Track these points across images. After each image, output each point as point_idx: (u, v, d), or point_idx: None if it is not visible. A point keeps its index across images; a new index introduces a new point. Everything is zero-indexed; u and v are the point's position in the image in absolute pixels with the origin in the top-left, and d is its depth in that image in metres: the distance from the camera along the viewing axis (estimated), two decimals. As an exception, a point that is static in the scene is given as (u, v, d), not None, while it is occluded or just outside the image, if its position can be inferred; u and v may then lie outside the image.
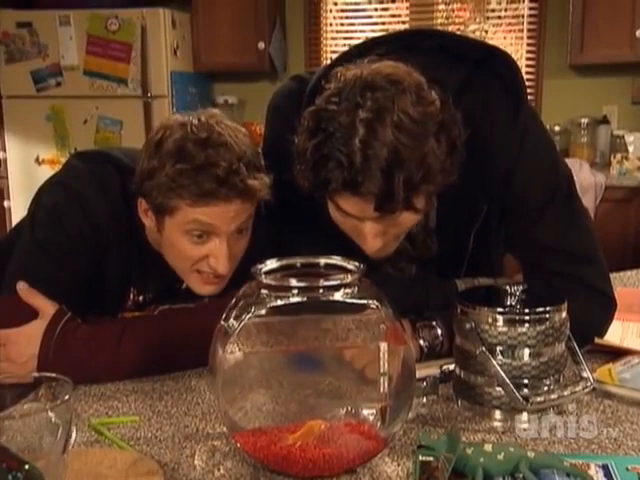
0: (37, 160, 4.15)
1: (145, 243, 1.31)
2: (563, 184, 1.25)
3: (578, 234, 1.25)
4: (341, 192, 1.07)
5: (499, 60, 1.22)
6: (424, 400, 1.05)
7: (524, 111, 1.22)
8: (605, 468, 0.86)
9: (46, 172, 3.59)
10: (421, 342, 1.18)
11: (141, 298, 1.35)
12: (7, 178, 4.22)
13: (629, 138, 3.89)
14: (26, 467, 0.63)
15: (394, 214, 1.08)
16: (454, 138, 1.08)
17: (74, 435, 0.76)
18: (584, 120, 4.02)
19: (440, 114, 1.06)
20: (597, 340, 1.23)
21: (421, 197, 1.08)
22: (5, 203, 4.22)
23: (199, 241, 1.20)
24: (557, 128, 4.04)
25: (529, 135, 1.22)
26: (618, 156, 3.79)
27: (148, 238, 1.30)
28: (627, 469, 0.85)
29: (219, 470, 0.90)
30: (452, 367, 1.08)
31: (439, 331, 1.19)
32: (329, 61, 1.28)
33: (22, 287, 1.20)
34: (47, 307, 1.18)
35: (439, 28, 4.16)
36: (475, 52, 1.23)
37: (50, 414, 0.71)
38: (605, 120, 4.02)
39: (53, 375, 0.76)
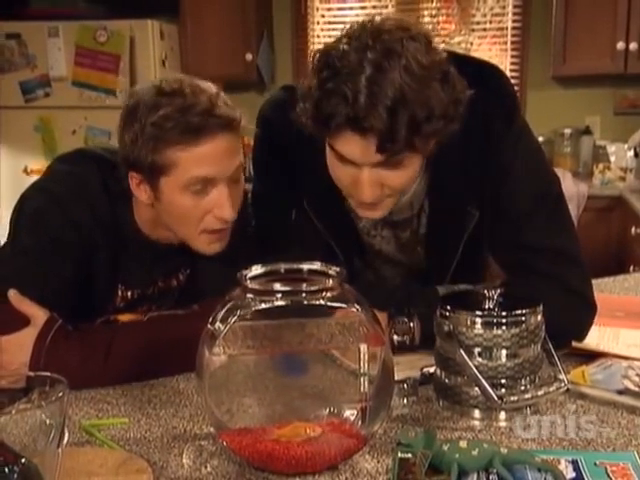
0: (25, 170, 4.16)
1: (130, 237, 1.31)
2: (553, 187, 1.29)
3: (565, 236, 1.28)
4: (343, 130, 1.08)
5: (492, 73, 1.27)
6: (404, 401, 1.09)
7: (519, 117, 1.27)
8: (574, 463, 0.89)
9: (35, 182, 3.59)
10: (394, 337, 1.22)
11: (129, 294, 1.36)
12: (-6, 188, 4.24)
13: (611, 148, 3.95)
14: (22, 461, 0.65)
15: (395, 156, 1.09)
16: (458, 91, 1.10)
17: (66, 435, 0.78)
18: (567, 131, 4.08)
19: (446, 64, 1.09)
20: (574, 343, 1.27)
21: (422, 139, 1.09)
22: (-8, 213, 4.23)
23: (201, 194, 1.22)
24: (540, 138, 4.08)
25: (523, 139, 1.27)
26: (600, 166, 3.85)
27: (138, 225, 1.31)
28: (595, 464, 0.89)
29: (206, 468, 0.92)
30: (432, 370, 1.12)
31: (411, 324, 1.22)
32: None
33: (13, 294, 1.21)
34: (38, 314, 1.19)
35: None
36: (469, 67, 1.27)
37: (43, 414, 0.72)
38: (588, 131, 4.08)
39: (47, 374, 0.77)
